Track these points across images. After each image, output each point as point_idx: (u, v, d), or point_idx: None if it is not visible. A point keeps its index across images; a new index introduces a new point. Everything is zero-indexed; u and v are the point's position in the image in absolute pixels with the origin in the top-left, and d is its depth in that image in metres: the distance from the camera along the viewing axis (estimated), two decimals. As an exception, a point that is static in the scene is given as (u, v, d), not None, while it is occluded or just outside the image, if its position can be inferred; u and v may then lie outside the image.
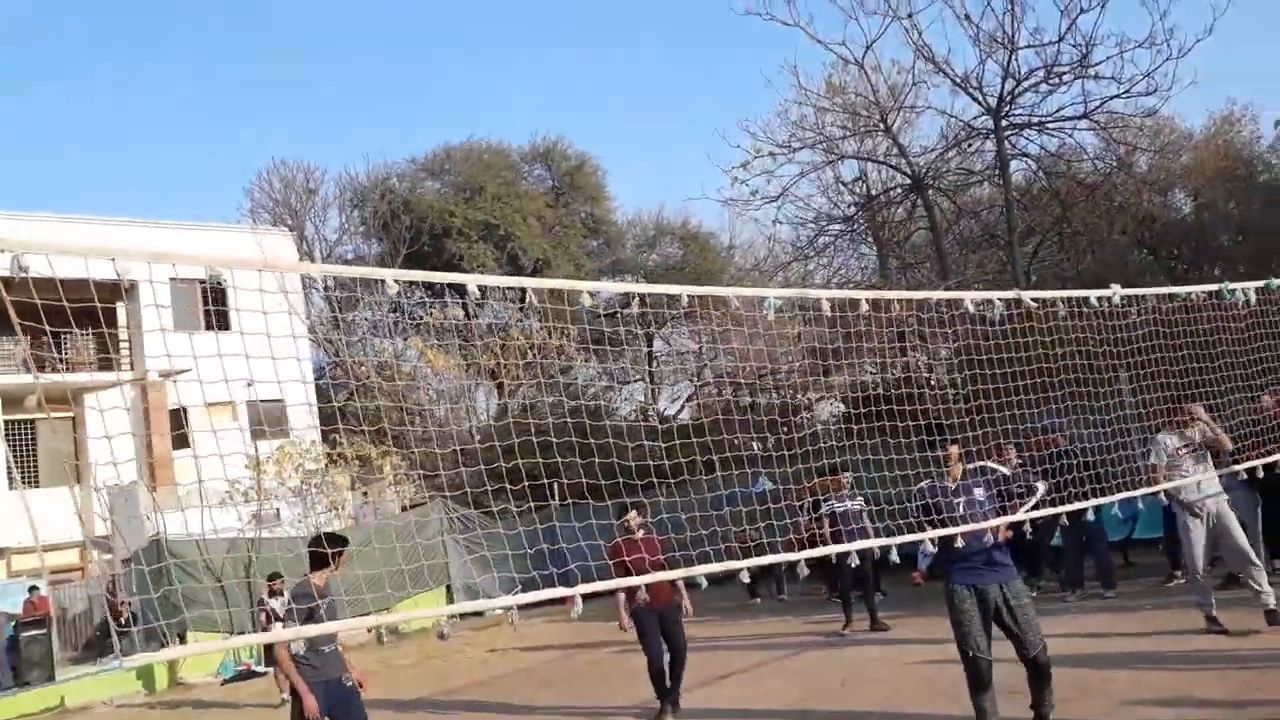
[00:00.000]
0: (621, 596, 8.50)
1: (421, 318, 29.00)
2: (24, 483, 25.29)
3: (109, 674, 15.45)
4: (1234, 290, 7.82)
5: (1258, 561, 8.18)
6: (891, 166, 26.78)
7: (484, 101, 63.19)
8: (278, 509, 19.93)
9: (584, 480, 6.53)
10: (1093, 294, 7.14)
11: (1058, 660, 5.93)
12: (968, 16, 22.57)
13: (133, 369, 27.74)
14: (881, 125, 25.40)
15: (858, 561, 6.80)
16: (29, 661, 16.92)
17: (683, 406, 33.02)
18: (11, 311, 3.96)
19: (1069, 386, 9.68)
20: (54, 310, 4.04)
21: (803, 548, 5.96)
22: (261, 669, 14.74)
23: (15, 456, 26.12)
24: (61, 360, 26.77)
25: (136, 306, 25.37)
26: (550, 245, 35.15)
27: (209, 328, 26.41)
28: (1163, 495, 7.69)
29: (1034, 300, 6.83)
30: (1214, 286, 8.05)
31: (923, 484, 6.06)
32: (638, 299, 5.35)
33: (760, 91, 48.36)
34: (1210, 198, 26.21)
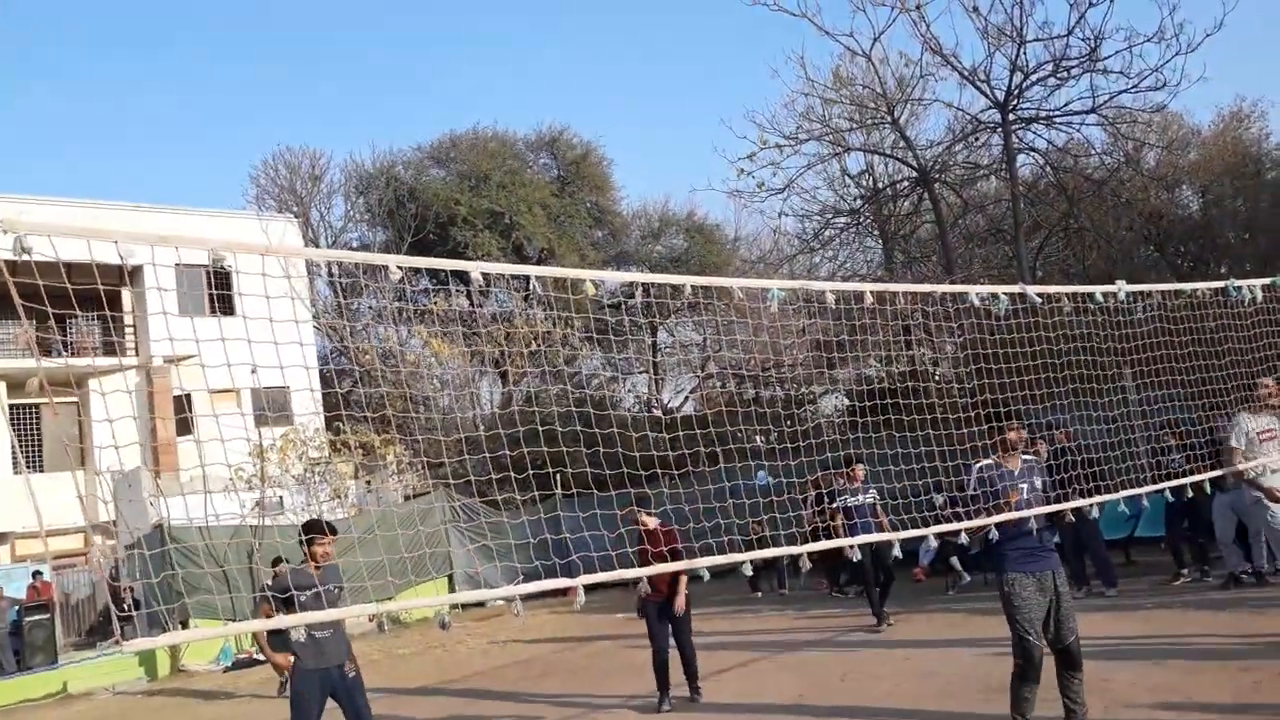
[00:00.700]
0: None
1: (426, 306, 28.99)
2: (28, 467, 25.36)
3: (111, 659, 15.52)
4: (1240, 287, 7.78)
5: None
6: (898, 160, 26.72)
7: (490, 90, 63.19)
8: (281, 496, 19.95)
9: (588, 471, 6.52)
10: (1098, 290, 7.11)
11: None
12: (976, 9, 22.45)
13: (138, 354, 27.78)
14: (888, 118, 25.31)
15: (858, 556, 6.76)
16: (32, 646, 17.00)
17: (686, 399, 33.02)
18: (15, 294, 3.95)
19: (1073, 383, 9.66)
20: (57, 294, 4.03)
21: (805, 542, 5.92)
22: (262, 657, 14.78)
23: (20, 441, 26.19)
24: (66, 344, 26.83)
25: (141, 291, 25.41)
26: (555, 235, 35.10)
27: (213, 313, 26.47)
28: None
29: (1039, 295, 6.79)
30: (1220, 284, 8.01)
31: (984, 463, 5.91)
32: (641, 289, 5.34)
33: (767, 83, 48.27)
34: (1218, 194, 26.13)
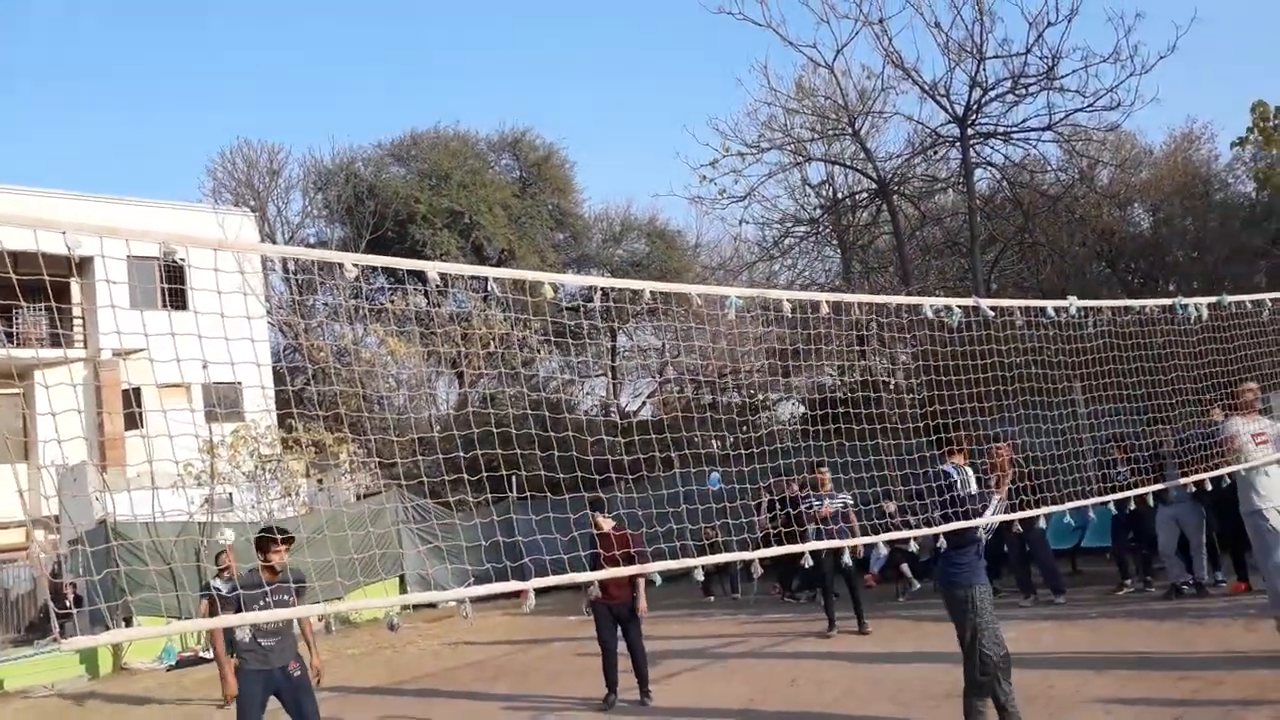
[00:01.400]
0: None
1: (382, 304, 28.72)
2: (-32, 459, 24.70)
3: (50, 657, 15.15)
4: (1187, 305, 7.94)
5: None
6: (858, 170, 26.99)
7: (452, 89, 62.81)
8: (230, 494, 19.66)
9: (543, 474, 6.49)
10: (1050, 304, 7.22)
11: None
12: (938, 24, 22.86)
13: (86, 346, 27.22)
14: (849, 129, 25.59)
15: (811, 563, 6.77)
16: (-32, 642, 16.58)
17: (644, 403, 33.03)
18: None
19: (1024, 395, 9.80)
20: (2, 283, 3.95)
21: (757, 547, 5.95)
22: (208, 655, 14.52)
23: (-40, 432, 25.51)
24: (10, 335, 26.22)
25: (91, 283, 24.89)
26: (516, 236, 34.93)
27: (164, 306, 25.99)
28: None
29: (992, 308, 6.89)
30: (1168, 301, 8.16)
31: (955, 479, 5.93)
32: (600, 293, 5.34)
33: (731, 90, 48.60)
34: (1168, 213, 26.68)
